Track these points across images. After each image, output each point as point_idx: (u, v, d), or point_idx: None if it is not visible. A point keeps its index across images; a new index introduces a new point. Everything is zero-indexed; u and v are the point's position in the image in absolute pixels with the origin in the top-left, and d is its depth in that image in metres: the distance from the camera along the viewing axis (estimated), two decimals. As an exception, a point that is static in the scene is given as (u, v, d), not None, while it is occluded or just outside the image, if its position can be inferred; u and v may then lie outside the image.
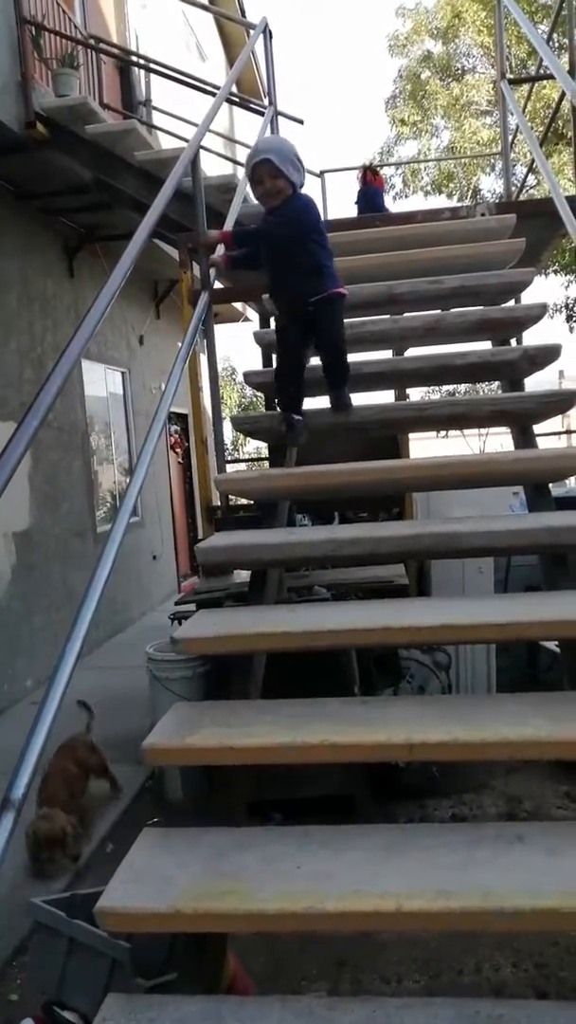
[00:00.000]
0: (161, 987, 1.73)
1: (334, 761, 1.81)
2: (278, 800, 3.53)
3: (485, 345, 3.53)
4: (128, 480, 2.19)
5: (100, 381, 8.01)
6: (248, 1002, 1.60)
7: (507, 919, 1.53)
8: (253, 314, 6.61)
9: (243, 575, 3.70)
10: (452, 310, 3.55)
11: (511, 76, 8.43)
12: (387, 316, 3.60)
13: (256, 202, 3.13)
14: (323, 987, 2.62)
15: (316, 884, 1.55)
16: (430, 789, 3.87)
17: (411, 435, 5.06)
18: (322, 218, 2.80)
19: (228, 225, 3.60)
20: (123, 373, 8.64)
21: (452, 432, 18.24)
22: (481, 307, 3.52)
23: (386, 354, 3.83)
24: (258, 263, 2.95)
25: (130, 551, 8.36)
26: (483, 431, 16.77)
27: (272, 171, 2.70)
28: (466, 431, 17.52)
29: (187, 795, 3.96)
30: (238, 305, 8.85)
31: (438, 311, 3.57)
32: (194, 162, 3.15)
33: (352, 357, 3.32)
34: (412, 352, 3.84)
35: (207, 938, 1.68)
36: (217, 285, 3.62)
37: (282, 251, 2.78)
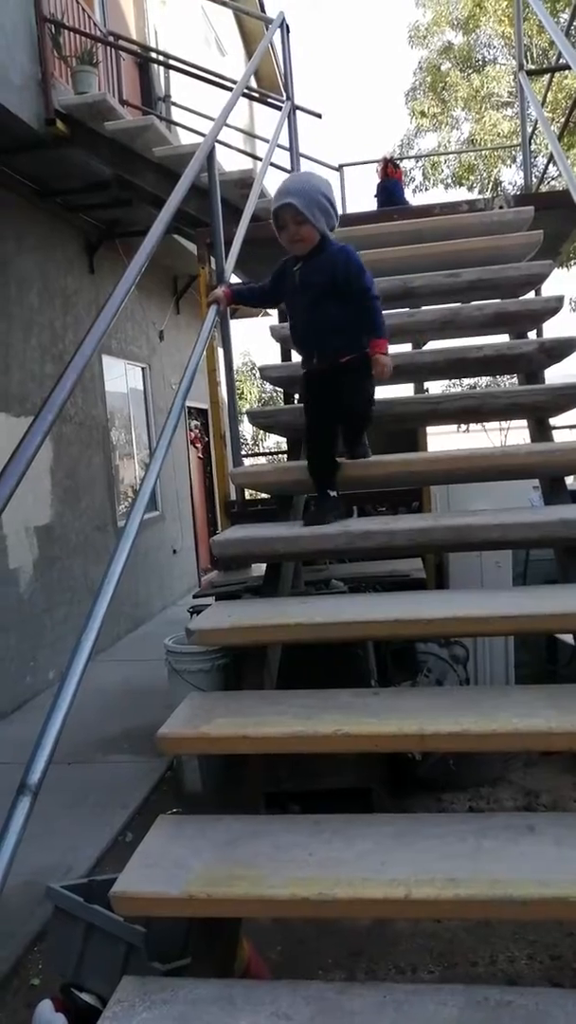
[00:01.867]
0: (177, 971, 1.76)
1: (346, 751, 1.83)
2: (296, 792, 3.55)
3: (503, 338, 3.52)
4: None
5: (120, 377, 8.07)
6: (259, 986, 1.62)
7: (515, 907, 1.55)
8: (271, 309, 6.63)
9: (261, 569, 3.73)
10: (469, 303, 3.54)
11: (530, 67, 8.35)
12: (404, 310, 3.60)
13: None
14: (338, 976, 2.65)
15: (327, 871, 1.57)
16: (447, 782, 3.88)
17: (432, 430, 5.06)
18: (366, 271, 2.47)
19: (245, 219, 3.61)
20: (143, 368, 8.69)
21: (473, 427, 18.17)
22: (498, 300, 3.51)
23: (405, 348, 3.83)
24: (266, 301, 2.82)
25: (151, 545, 8.42)
26: (504, 426, 16.66)
27: (295, 216, 2.39)
28: (487, 426, 17.43)
29: (206, 786, 4.00)
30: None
31: (456, 304, 3.57)
32: (210, 157, 3.16)
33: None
34: (431, 347, 3.85)
35: (221, 923, 1.71)
36: (234, 279, 3.63)
37: (307, 308, 2.51)
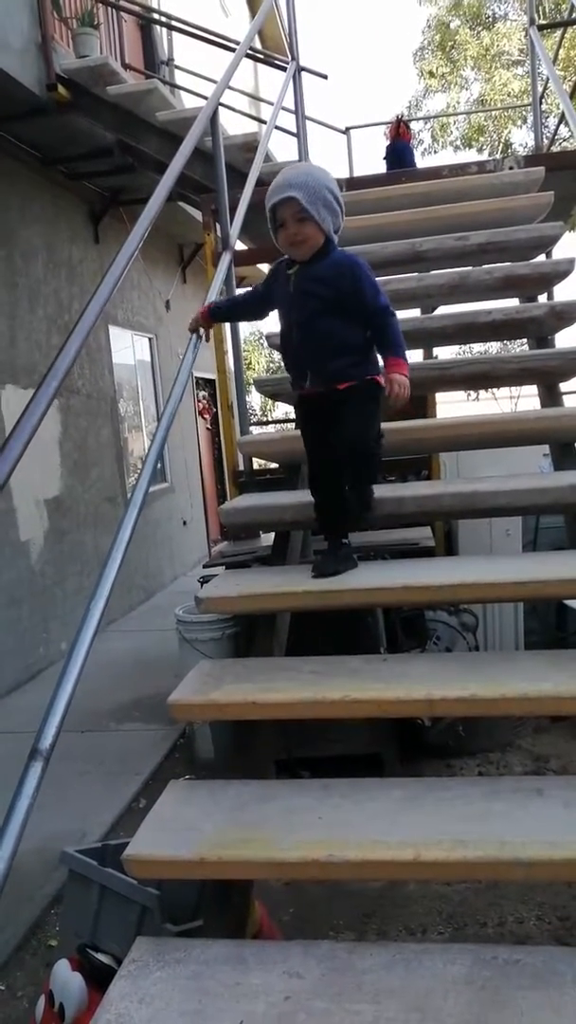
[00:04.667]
0: (189, 933, 1.80)
1: (355, 716, 1.84)
2: (306, 759, 3.59)
3: (512, 303, 3.47)
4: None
5: (127, 348, 8.03)
6: (271, 946, 1.65)
7: (523, 869, 1.56)
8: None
9: (270, 539, 3.73)
10: (479, 267, 3.49)
11: (541, 22, 8.14)
12: (412, 274, 3.55)
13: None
14: (349, 937, 2.69)
15: (336, 834, 1.59)
16: (456, 748, 3.90)
17: (440, 399, 5.02)
18: (377, 283, 2.11)
19: (250, 183, 3.56)
20: (150, 339, 8.64)
21: (483, 395, 18.04)
22: (508, 263, 3.45)
23: (413, 313, 3.79)
24: (258, 310, 2.38)
25: (160, 517, 8.44)
26: (514, 395, 16.53)
27: (298, 212, 2.01)
28: (497, 395, 17.29)
29: (218, 754, 4.04)
30: (264, 267, 8.77)
31: (465, 268, 3.52)
32: (214, 119, 3.11)
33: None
34: (440, 312, 3.80)
35: (232, 885, 1.73)
36: (239, 246, 3.60)
37: (304, 321, 2.10)
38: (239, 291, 2.80)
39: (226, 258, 3.10)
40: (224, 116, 3.35)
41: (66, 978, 1.79)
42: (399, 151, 6.95)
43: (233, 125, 5.84)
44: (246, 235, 4.56)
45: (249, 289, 2.35)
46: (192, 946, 1.56)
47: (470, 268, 3.50)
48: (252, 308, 2.37)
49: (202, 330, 2.48)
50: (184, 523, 9.40)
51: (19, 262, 5.81)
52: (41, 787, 1.30)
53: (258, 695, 1.78)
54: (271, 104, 4.96)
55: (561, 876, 1.69)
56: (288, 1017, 1.34)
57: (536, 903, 2.81)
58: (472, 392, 17.78)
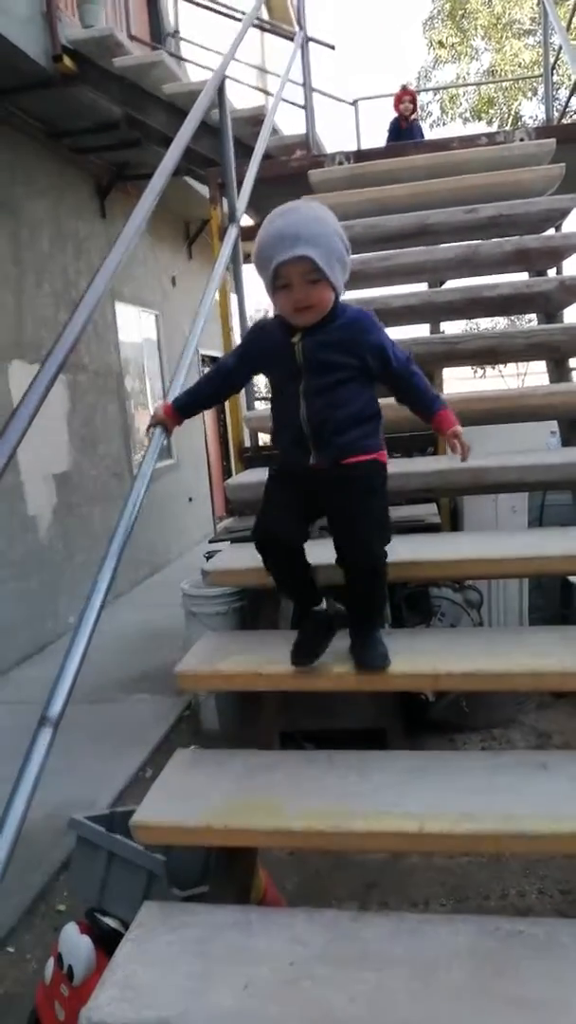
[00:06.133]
0: (195, 898, 1.82)
1: (359, 689, 1.85)
2: (311, 732, 3.62)
3: (522, 277, 3.44)
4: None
5: (134, 324, 7.99)
6: (275, 912, 1.68)
7: (527, 841, 1.58)
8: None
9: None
10: (488, 240, 3.46)
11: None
12: (421, 248, 3.52)
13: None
14: (352, 907, 2.72)
15: (342, 804, 1.61)
16: (460, 724, 3.93)
17: (447, 376, 4.99)
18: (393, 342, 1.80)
19: (256, 157, 3.52)
20: (156, 316, 8.60)
21: (490, 373, 17.91)
22: (518, 236, 3.42)
23: (420, 287, 3.76)
24: (231, 388, 2.01)
25: (167, 493, 8.45)
26: (521, 372, 16.43)
27: (310, 273, 1.63)
28: (504, 373, 17.19)
29: (223, 726, 4.08)
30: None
31: (474, 241, 3.49)
32: (220, 90, 3.07)
33: (383, 291, 3.27)
34: (448, 286, 3.77)
35: (238, 852, 1.76)
36: (246, 221, 3.56)
37: (317, 393, 1.74)
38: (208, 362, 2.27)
39: (232, 232, 3.08)
40: (231, 89, 3.30)
41: (74, 941, 1.83)
42: (405, 136, 6.80)
43: (240, 98, 5.77)
44: (252, 209, 4.52)
45: (210, 370, 1.96)
46: (198, 911, 1.59)
47: (479, 241, 3.46)
48: (223, 389, 1.97)
49: (164, 428, 2.01)
50: (190, 500, 9.42)
51: (25, 236, 5.77)
52: (50, 756, 1.32)
53: (264, 666, 1.79)
54: (277, 76, 4.90)
55: (565, 849, 1.70)
56: (293, 983, 1.37)
57: (538, 876, 2.84)
58: (479, 370, 17.67)
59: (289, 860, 2.94)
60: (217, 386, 1.95)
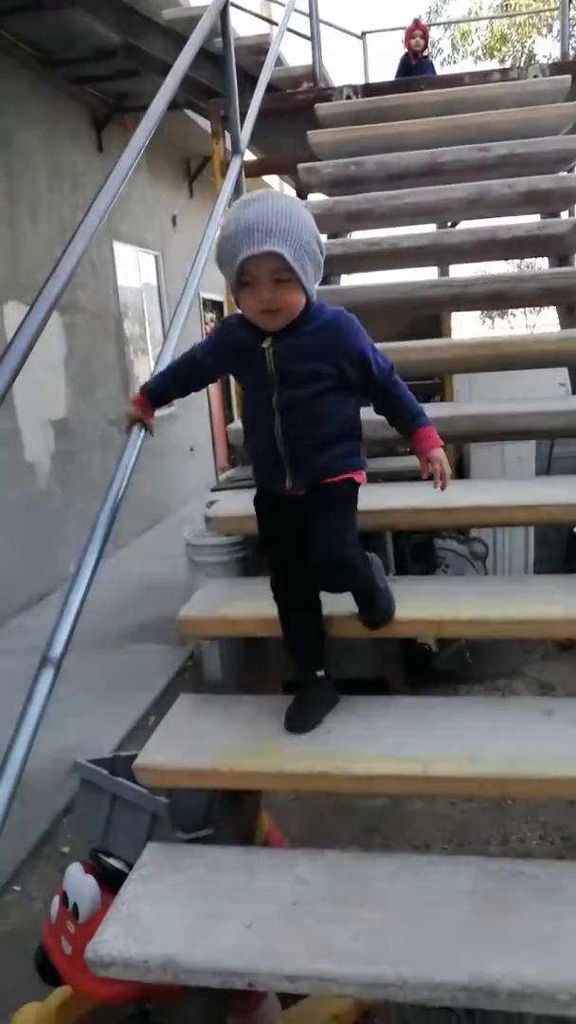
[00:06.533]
0: (199, 841, 1.83)
1: (363, 636, 1.83)
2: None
3: (534, 219, 3.34)
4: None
5: (133, 265, 7.83)
6: (279, 853, 1.69)
7: (531, 785, 1.59)
8: (289, 192, 6.33)
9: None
10: (500, 180, 3.35)
11: None
12: (429, 187, 3.41)
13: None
14: (354, 851, 2.77)
15: (345, 747, 1.60)
16: (463, 674, 3.94)
17: (455, 324, 4.90)
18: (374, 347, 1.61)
19: (260, 88, 3.37)
20: (156, 256, 8.42)
21: (499, 325, 17.67)
22: (531, 177, 3.30)
23: (429, 229, 3.66)
24: (201, 381, 1.80)
25: (167, 444, 8.38)
26: (531, 325, 16.21)
27: (279, 271, 1.46)
28: (513, 324, 16.95)
29: (226, 675, 4.09)
30: (274, 183, 8.48)
31: (486, 182, 3.37)
32: (223, 16, 2.92)
33: (392, 232, 3.17)
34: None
35: (242, 795, 1.76)
36: (249, 156, 3.44)
37: (289, 407, 1.56)
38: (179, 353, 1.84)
39: (236, 163, 2.97)
40: (233, 17, 3.14)
41: (79, 880, 1.84)
42: (415, 73, 6.55)
43: (243, 26, 5.54)
44: (255, 145, 4.38)
45: (182, 355, 1.80)
46: (202, 852, 1.59)
47: (490, 182, 3.35)
48: (191, 382, 1.78)
49: (142, 423, 1.84)
50: (191, 450, 9.35)
51: (18, 169, 5.60)
52: (52, 704, 1.30)
53: (268, 611, 1.77)
54: (282, 5, 4.69)
55: (569, 793, 1.71)
56: (296, 921, 1.37)
57: (539, 823, 2.87)
58: (487, 319, 17.41)
59: (292, 805, 2.97)
60: (186, 375, 1.77)
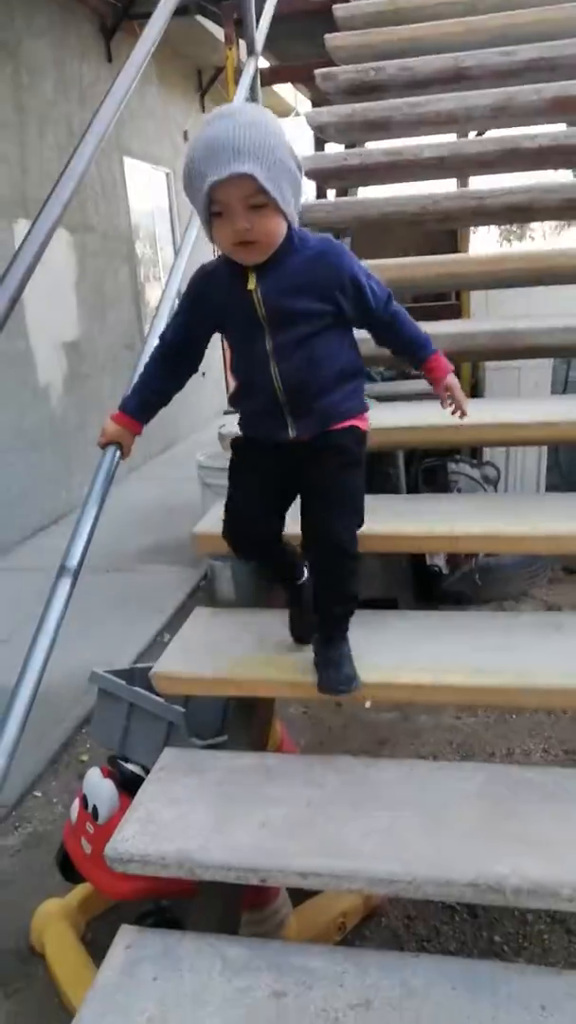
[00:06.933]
0: (214, 747, 1.89)
1: (375, 551, 1.84)
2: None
3: (561, 127, 3.19)
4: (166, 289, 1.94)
5: (144, 182, 7.60)
6: (293, 758, 1.74)
7: (539, 696, 1.62)
8: (305, 104, 6.08)
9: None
10: (526, 87, 3.19)
11: None
12: (451, 95, 3.26)
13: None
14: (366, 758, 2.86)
15: (357, 658, 1.63)
16: (472, 597, 3.98)
17: (473, 240, 4.76)
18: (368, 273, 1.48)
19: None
20: (167, 174, 8.16)
21: (516, 246, 17.14)
22: (559, 83, 3.15)
23: (449, 138, 3.51)
24: (185, 373, 1.68)
25: (179, 367, 8.31)
26: (551, 244, 15.73)
27: (253, 195, 1.29)
28: (531, 245, 16.44)
29: (238, 595, 4.14)
30: (288, 97, 8.14)
31: (512, 88, 3.21)
32: None
33: (411, 141, 3.05)
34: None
35: (256, 703, 1.80)
36: (262, 63, 3.29)
37: (282, 350, 1.44)
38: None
39: (251, 65, 2.83)
40: None
41: (98, 783, 1.91)
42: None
43: None
44: (269, 51, 4.18)
45: (153, 352, 1.65)
46: (218, 756, 1.65)
47: (517, 88, 3.19)
48: (178, 374, 1.66)
49: (121, 448, 1.70)
50: (203, 374, 9.21)
51: (25, 79, 5.39)
52: (67, 621, 1.32)
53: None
54: None
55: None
56: (308, 821, 1.42)
57: (543, 737, 2.94)
58: (506, 241, 16.90)
59: (303, 717, 3.06)
60: (169, 370, 1.63)
